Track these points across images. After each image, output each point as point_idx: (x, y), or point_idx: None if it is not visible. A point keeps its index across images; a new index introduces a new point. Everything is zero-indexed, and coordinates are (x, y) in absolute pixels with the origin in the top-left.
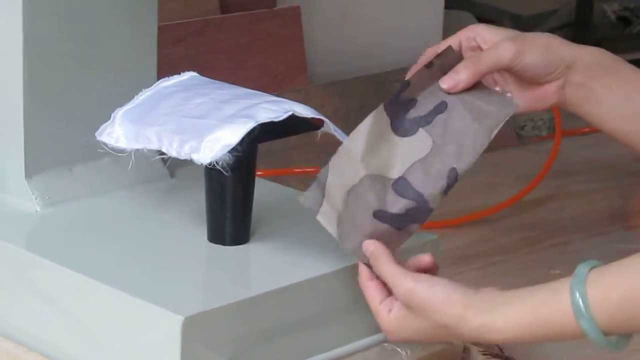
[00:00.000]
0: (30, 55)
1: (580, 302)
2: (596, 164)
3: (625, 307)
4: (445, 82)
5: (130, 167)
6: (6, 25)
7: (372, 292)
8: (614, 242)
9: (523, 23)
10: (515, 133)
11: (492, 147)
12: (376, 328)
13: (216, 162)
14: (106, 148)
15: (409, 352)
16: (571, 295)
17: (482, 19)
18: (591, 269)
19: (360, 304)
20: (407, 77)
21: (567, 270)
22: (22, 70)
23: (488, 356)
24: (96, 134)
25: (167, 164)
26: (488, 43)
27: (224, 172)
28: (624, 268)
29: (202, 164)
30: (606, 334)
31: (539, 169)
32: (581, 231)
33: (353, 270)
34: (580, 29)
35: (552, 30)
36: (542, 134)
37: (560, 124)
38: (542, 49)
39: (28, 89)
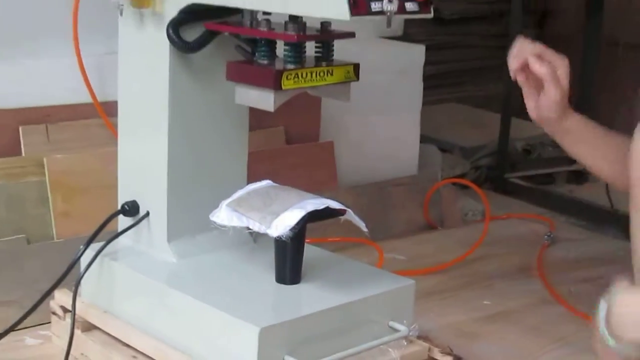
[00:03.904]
0: (172, 170)
1: None
2: (511, 237)
3: None
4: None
5: (230, 235)
6: (154, 151)
7: None
8: (523, 284)
9: (466, 152)
10: (462, 218)
11: (447, 227)
12: (388, 332)
13: (281, 236)
14: (215, 225)
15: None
16: None
17: (441, 149)
18: None
19: (378, 317)
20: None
21: (493, 301)
22: (167, 177)
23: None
24: (210, 216)
25: (252, 235)
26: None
27: (286, 241)
28: None
29: (272, 236)
30: None
31: (475, 240)
32: (501, 278)
33: (366, 301)
34: (501, 156)
35: (483, 157)
36: (477, 219)
37: (489, 213)
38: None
39: (171, 185)
